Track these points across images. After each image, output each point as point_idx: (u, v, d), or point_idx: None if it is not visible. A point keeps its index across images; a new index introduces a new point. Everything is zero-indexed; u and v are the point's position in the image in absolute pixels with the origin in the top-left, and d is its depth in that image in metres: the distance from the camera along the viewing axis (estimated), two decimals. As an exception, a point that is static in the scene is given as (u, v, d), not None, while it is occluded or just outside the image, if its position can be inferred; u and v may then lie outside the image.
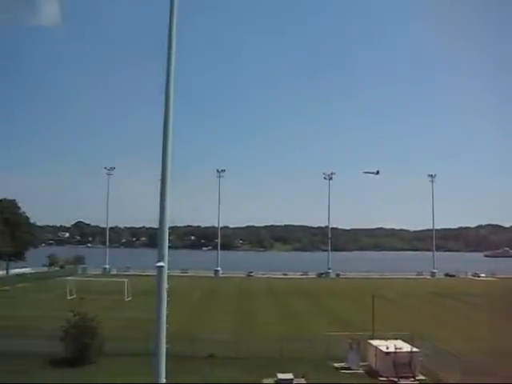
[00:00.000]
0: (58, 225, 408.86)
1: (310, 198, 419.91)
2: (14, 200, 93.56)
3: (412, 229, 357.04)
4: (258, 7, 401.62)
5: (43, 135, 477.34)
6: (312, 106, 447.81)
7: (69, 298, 66.28)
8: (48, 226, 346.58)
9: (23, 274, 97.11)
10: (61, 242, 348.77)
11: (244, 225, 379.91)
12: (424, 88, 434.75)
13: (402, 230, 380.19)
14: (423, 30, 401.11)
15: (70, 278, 78.51)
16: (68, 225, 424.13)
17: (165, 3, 19.55)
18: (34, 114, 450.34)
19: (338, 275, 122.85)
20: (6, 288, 79.95)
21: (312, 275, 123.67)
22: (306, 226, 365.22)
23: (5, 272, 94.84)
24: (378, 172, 66.32)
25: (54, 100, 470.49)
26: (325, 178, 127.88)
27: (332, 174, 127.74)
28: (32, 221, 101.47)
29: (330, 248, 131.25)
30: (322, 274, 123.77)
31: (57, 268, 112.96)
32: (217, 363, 33.05)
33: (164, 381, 18.53)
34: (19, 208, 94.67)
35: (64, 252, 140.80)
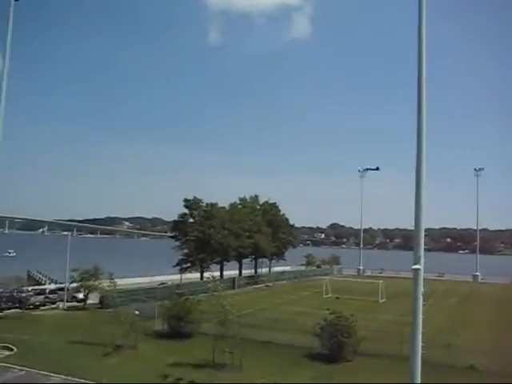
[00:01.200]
0: (315, 226, 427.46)
1: None
2: (275, 203, 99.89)
3: None
4: None
5: (307, 142, 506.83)
6: None
7: (324, 296, 68.61)
8: (305, 228, 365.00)
9: (283, 272, 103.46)
10: (317, 243, 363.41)
11: (506, 227, 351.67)
12: None
13: None
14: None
15: (325, 277, 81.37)
16: (324, 226, 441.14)
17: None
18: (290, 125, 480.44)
19: None
20: (269, 284, 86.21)
21: None
22: None
23: (267, 270, 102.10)
24: (377, 168, 63.59)
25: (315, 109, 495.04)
26: None
27: None
28: (291, 222, 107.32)
29: None
30: None
31: (313, 267, 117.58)
32: (475, 376, 30.86)
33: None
34: (280, 210, 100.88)
35: (320, 252, 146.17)
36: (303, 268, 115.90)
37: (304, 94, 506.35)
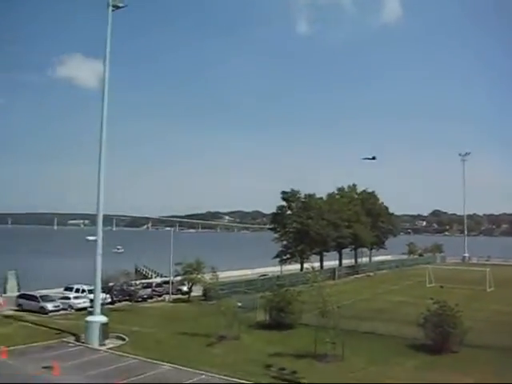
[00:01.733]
0: (416, 214, 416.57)
1: None
2: (374, 191, 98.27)
3: None
4: None
5: (405, 127, 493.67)
6: None
7: (428, 285, 66.83)
8: (405, 216, 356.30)
9: (384, 262, 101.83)
10: (418, 231, 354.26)
11: None
12: None
13: None
14: None
15: (428, 266, 79.13)
16: (425, 213, 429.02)
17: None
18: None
19: None
20: (370, 274, 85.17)
21: None
22: None
23: (368, 259, 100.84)
24: (374, 158, 60.67)
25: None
26: None
27: None
28: (390, 211, 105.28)
29: None
30: None
31: (415, 256, 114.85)
32: None
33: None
34: (378, 199, 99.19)
35: (422, 240, 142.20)
36: (405, 257, 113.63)
37: (397, 77, 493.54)
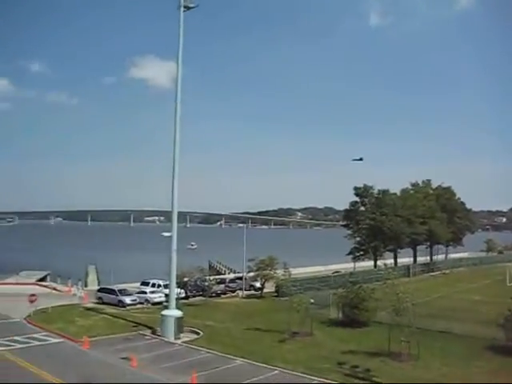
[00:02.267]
0: (494, 209, 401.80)
1: None
2: (450, 186, 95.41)
3: None
4: None
5: (477, 119, 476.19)
6: None
7: (508, 284, 64.26)
8: (483, 211, 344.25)
9: (461, 259, 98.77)
10: (497, 228, 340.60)
11: None
12: None
13: None
14: None
15: (509, 264, 76.10)
16: (505, 209, 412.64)
17: None
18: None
19: None
20: (446, 272, 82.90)
21: None
22: None
23: (443, 256, 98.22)
24: (361, 159, 58.97)
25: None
26: None
27: None
28: (468, 206, 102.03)
29: None
30: None
31: (495, 254, 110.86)
32: None
33: None
34: (455, 194, 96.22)
35: (501, 237, 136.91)
36: (483, 254, 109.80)
37: (469, 68, 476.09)
